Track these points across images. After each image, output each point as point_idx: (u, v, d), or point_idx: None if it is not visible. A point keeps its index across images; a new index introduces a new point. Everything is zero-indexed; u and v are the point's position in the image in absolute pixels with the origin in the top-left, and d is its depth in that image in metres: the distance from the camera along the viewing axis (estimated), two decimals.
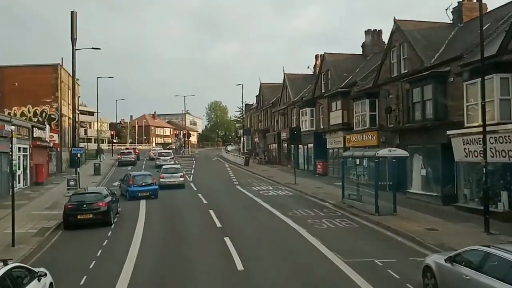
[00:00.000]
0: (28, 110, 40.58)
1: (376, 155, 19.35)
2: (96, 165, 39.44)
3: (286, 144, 47.30)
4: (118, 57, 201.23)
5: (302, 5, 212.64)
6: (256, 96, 68.12)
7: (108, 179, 37.12)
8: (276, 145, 50.44)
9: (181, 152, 62.51)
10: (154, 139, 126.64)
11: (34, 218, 19.63)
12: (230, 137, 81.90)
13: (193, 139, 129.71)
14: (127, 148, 58.66)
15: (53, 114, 40.70)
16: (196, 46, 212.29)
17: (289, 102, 46.75)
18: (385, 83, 27.77)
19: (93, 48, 36.80)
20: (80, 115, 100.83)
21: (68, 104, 45.04)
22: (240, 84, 63.63)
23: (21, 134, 29.30)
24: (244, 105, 67.83)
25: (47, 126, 35.70)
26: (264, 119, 58.14)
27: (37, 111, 40.60)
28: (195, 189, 30.03)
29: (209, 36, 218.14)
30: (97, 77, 62.07)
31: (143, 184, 26.16)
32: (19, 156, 29.04)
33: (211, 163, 54.31)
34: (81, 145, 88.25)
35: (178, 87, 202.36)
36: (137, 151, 59.25)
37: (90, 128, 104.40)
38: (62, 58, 40.52)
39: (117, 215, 20.45)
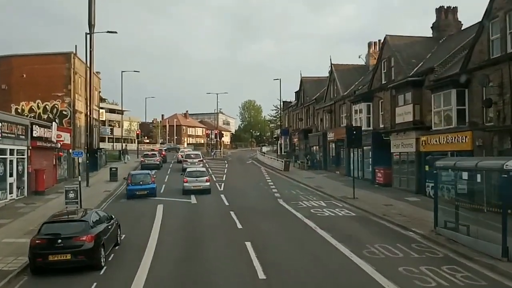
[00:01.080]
0: (38, 106, 35.36)
1: (505, 167, 12.39)
2: (113, 169, 33.76)
3: (333, 147, 40.40)
4: (151, 55, 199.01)
5: (337, 3, 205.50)
6: (296, 92, 61.41)
7: (125, 188, 31.31)
8: (320, 147, 43.54)
9: (212, 154, 56.55)
10: (185, 139, 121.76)
11: (1, 251, 13.76)
12: (264, 137, 75.23)
13: (226, 139, 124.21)
14: (152, 150, 53.12)
15: (65, 110, 35.33)
16: (229, 45, 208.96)
17: (338, 97, 39.85)
18: (480, 67, 20.63)
19: (108, 32, 31.15)
20: (108, 113, 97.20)
21: (85, 99, 39.65)
22: (277, 79, 57.50)
23: (13, 132, 23.74)
24: (281, 103, 61.23)
25: (54, 124, 30.19)
26: (306, 117, 51.38)
27: (47, 106, 35.34)
28: (226, 203, 23.66)
29: (242, 35, 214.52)
30: (122, 71, 56.93)
31: (141, 182, 26.03)
32: (10, 160, 23.52)
33: (245, 167, 48.00)
34: (105, 146, 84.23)
35: (211, 86, 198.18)
36: (163, 152, 53.68)
37: (119, 127, 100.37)
38: (76, 46, 35.15)
39: (117, 247, 14.35)
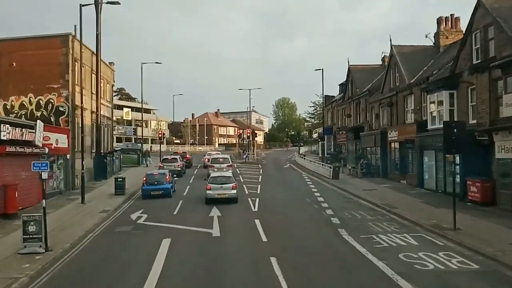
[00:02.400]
0: (29, 101, 28.84)
1: None
2: (119, 180, 26.72)
3: (396, 148, 32.09)
4: (183, 56, 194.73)
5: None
6: (340, 84, 53.21)
7: (131, 203, 24.21)
8: (377, 149, 35.26)
9: (244, 156, 49.04)
10: (216, 139, 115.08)
11: None
12: (300, 137, 67.26)
13: (259, 139, 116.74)
14: (175, 153, 46.10)
15: (62, 106, 28.62)
16: (261, 44, 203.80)
17: (401, 87, 31.55)
18: None
19: (108, 3, 24.09)
20: (135, 112, 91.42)
21: (92, 93, 32.96)
22: (319, 69, 49.14)
23: None
24: (323, 97, 53.09)
25: (39, 123, 23.36)
26: (355, 113, 43.14)
27: (41, 101, 28.77)
28: (263, 237, 15.87)
29: (274, 33, 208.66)
30: (142, 63, 50.40)
31: (156, 183, 25.78)
32: None
33: (283, 174, 40.22)
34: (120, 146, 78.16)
35: (243, 85, 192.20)
36: (188, 156, 46.43)
37: (146, 127, 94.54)
38: (75, 26, 27.95)
39: None
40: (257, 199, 24.17)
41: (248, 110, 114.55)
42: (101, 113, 35.40)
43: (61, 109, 28.37)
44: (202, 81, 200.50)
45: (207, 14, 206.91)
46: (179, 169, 36.86)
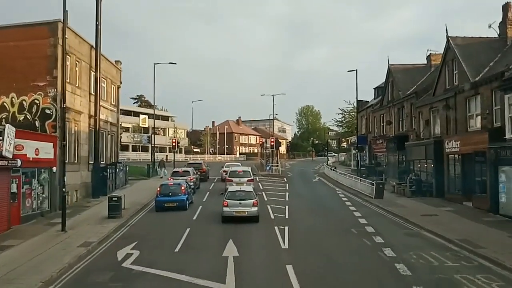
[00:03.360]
0: (11, 102, 23.96)
1: None
2: (114, 199, 21.38)
3: (458, 161, 26.05)
4: (206, 66, 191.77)
5: (394, 8, 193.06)
6: (377, 88, 47.37)
7: (125, 232, 18.92)
8: (430, 163, 29.23)
9: (268, 168, 43.44)
10: (237, 148, 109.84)
11: None
12: (328, 147, 61.52)
13: (282, 148, 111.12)
14: (189, 164, 40.81)
15: (49, 108, 23.63)
16: (285, 53, 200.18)
17: (462, 86, 25.60)
18: None
19: None
20: (151, 119, 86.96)
21: (90, 94, 28.08)
22: (353, 70, 43.44)
23: None
24: (357, 101, 47.22)
25: (8, 127, 18.33)
26: (397, 119, 37.18)
27: (24, 102, 23.84)
28: None
29: (297, 42, 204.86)
30: (154, 63, 45.42)
31: (170, 194, 23.99)
32: None
33: (314, 190, 34.40)
34: (138, 156, 73.45)
35: (265, 93, 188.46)
36: (204, 168, 40.91)
37: (164, 135, 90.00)
38: (65, 10, 22.32)
39: None
40: (286, 229, 18.54)
41: (271, 117, 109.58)
42: (103, 117, 30.48)
43: (47, 111, 23.41)
44: (224, 91, 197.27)
45: (229, 24, 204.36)
46: (192, 184, 31.45)
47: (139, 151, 77.66)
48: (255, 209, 20.18)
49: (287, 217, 21.65)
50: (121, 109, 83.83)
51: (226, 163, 42.70)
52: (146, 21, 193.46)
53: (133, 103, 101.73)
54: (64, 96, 23.81)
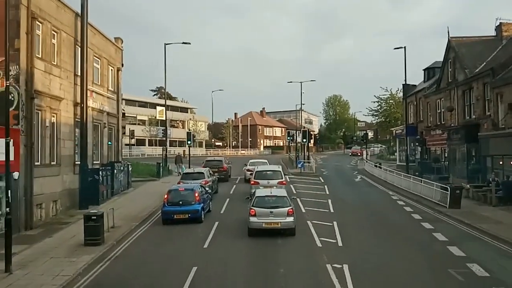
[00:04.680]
0: None
1: None
2: (93, 219, 14.98)
3: None
4: (230, 59, 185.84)
5: None
6: (427, 69, 39.98)
7: (106, 268, 12.51)
8: None
9: (300, 165, 36.63)
10: (262, 142, 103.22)
11: None
12: (365, 138, 54.38)
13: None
14: (208, 162, 34.45)
15: (10, 92, 17.38)
16: (309, 44, 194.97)
17: None
18: None
19: None
20: (170, 111, 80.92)
21: (76, 75, 21.82)
22: (401, 47, 36.17)
23: None
24: (405, 85, 39.84)
25: None
26: (462, 104, 29.82)
27: None
28: None
29: (322, 34, 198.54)
30: (165, 44, 39.04)
31: (181, 202, 18.54)
32: None
33: (361, 194, 27.22)
34: (153, 151, 67.15)
35: (290, 85, 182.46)
36: (224, 166, 34.44)
37: (183, 128, 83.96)
38: None
39: None
40: (346, 269, 11.87)
41: (297, 108, 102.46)
42: (95, 106, 24.31)
43: (11, 97, 17.20)
44: (247, 83, 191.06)
45: (253, 17, 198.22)
46: (207, 188, 25.00)
47: (156, 145, 71.77)
48: (291, 219, 15.88)
49: (340, 243, 14.92)
50: (136, 101, 79.53)
51: (250, 160, 36.05)
52: (166, 13, 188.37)
53: (153, 95, 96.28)
54: (32, 75, 17.63)
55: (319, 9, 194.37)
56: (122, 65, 29.89)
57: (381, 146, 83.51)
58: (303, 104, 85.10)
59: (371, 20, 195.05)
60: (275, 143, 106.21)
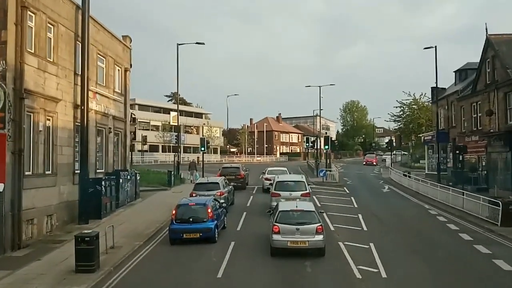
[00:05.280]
0: None
1: None
2: (86, 240, 12.49)
3: None
4: (244, 65, 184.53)
5: (435, 2, 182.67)
6: (458, 71, 37.03)
7: None
8: None
9: (321, 174, 33.88)
10: (278, 148, 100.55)
11: None
12: (390, 145, 51.24)
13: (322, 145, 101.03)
14: (224, 168, 32.17)
15: None
16: (322, 51, 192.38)
17: None
18: None
19: None
20: (184, 116, 78.80)
21: (76, 74, 19.57)
22: (431, 47, 33.37)
23: None
24: (436, 89, 36.83)
25: None
26: (503, 107, 26.85)
27: None
28: None
29: (333, 40, 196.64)
30: (177, 44, 36.85)
31: (191, 219, 15.89)
32: None
33: (394, 208, 24.35)
34: (164, 157, 64.60)
35: (304, 91, 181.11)
36: (242, 173, 32.24)
37: (197, 133, 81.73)
38: None
39: None
40: None
41: (314, 114, 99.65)
42: (98, 109, 22.05)
43: None
44: (261, 90, 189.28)
45: (265, 23, 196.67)
46: (222, 201, 22.43)
47: (170, 151, 69.58)
48: (320, 237, 13.85)
49: (383, 273, 12.19)
50: (149, 106, 77.56)
51: (268, 168, 33.47)
52: (178, 19, 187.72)
53: (167, 101, 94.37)
54: (22, 72, 15.38)
55: (332, 15, 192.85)
56: (131, 65, 27.67)
57: (402, 153, 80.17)
58: (322, 110, 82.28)
59: (385, 25, 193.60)
60: (291, 150, 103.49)
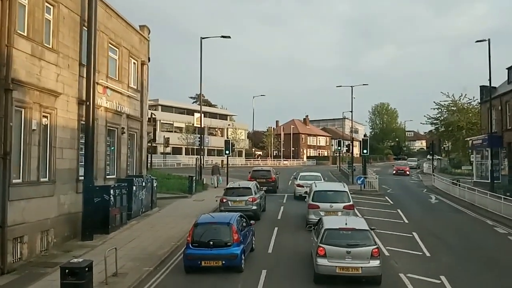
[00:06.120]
0: None
1: None
2: (75, 272, 9.59)
3: None
4: (270, 68, 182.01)
5: (466, 3, 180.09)
6: (510, 68, 32.97)
7: None
8: None
9: (359, 182, 30.39)
10: (305, 151, 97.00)
11: None
12: (431, 149, 47.29)
13: (355, 150, 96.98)
14: (255, 171, 29.62)
15: None
16: (349, 53, 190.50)
17: None
18: None
19: None
20: (208, 118, 76.14)
21: (81, 64, 16.75)
22: (483, 40, 29.49)
23: None
24: (490, 86, 32.82)
25: None
26: None
27: None
28: None
29: (362, 42, 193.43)
30: (201, 37, 34.09)
31: (212, 242, 12.67)
32: None
33: (449, 223, 20.85)
34: (190, 160, 61.82)
35: (331, 94, 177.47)
36: (273, 176, 30.24)
37: (222, 136, 78.94)
38: None
39: None
40: None
41: (343, 116, 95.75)
42: (108, 106, 19.26)
43: None
44: (286, 91, 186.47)
45: (292, 25, 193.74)
46: (255, 207, 20.05)
47: (193, 154, 66.99)
48: (376, 263, 11.42)
49: None
50: (173, 107, 75.05)
51: (301, 173, 30.51)
52: (203, 21, 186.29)
53: (192, 103, 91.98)
54: (9, 58, 12.63)
55: (359, 16, 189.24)
56: (149, 59, 24.87)
57: (436, 158, 75.56)
58: (351, 111, 78.21)
59: (413, 26, 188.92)
60: (319, 153, 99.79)
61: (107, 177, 19.31)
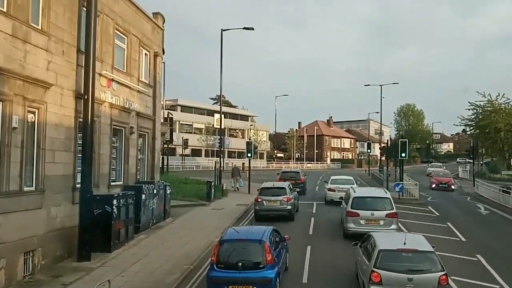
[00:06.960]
0: None
1: None
2: None
3: None
4: (291, 70, 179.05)
5: (489, 3, 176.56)
6: None
7: None
8: None
9: (397, 189, 27.03)
10: (328, 154, 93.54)
11: None
12: (472, 151, 43.38)
13: (376, 151, 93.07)
14: (283, 173, 27.50)
15: None
16: (370, 55, 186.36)
17: None
18: None
19: None
20: (228, 119, 73.32)
21: (79, 51, 14.08)
22: None
23: None
24: None
25: None
26: None
27: None
28: None
29: (384, 44, 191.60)
30: (222, 29, 31.49)
31: (240, 264, 10.22)
32: None
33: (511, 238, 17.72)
34: (210, 163, 59.04)
35: (351, 95, 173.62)
36: (302, 178, 29.96)
37: (243, 137, 76.19)
38: None
39: None
40: None
41: (369, 117, 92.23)
42: (120, 103, 16.71)
43: None
44: (308, 93, 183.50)
45: (313, 27, 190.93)
46: (289, 207, 20.17)
47: (213, 156, 64.42)
48: None
49: None
50: (192, 107, 72.44)
51: (332, 177, 27.87)
52: (224, 24, 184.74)
53: (213, 104, 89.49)
54: None
55: (381, 18, 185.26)
56: (163, 51, 22.28)
57: (468, 162, 71.26)
58: (377, 112, 74.31)
59: (435, 29, 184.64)
60: (343, 156, 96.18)
61: (112, 184, 16.68)
